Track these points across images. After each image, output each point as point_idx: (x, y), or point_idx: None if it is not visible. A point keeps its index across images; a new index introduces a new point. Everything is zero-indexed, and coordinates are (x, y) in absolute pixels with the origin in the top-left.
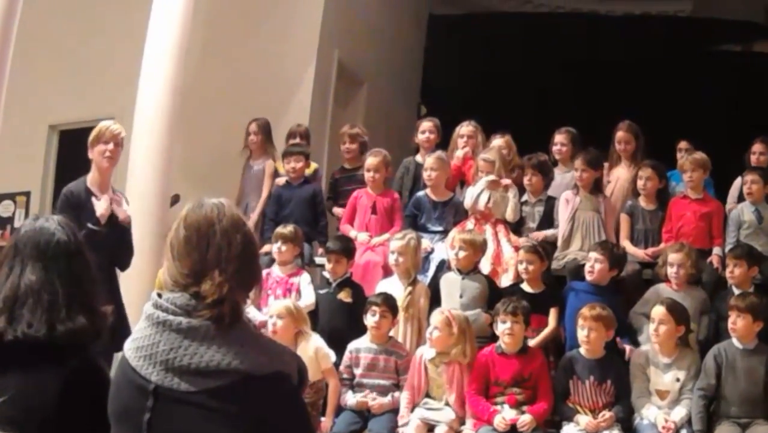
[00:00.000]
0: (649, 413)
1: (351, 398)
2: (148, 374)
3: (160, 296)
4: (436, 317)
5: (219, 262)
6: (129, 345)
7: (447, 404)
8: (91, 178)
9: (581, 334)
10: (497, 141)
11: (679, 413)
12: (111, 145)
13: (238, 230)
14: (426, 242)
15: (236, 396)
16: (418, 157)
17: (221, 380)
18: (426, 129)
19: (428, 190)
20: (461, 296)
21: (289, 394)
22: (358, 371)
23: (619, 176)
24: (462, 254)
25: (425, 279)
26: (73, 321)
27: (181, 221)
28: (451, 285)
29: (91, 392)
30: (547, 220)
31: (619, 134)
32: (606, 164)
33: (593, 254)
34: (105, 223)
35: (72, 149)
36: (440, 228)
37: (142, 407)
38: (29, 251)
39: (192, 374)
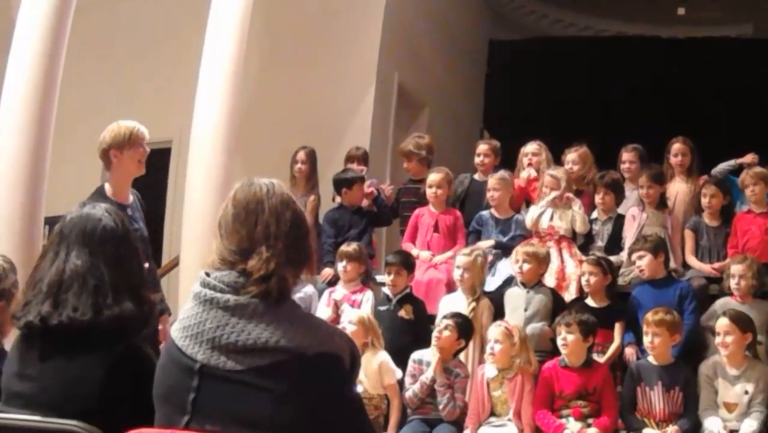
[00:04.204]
0: (713, 425)
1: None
2: (194, 353)
3: (208, 275)
4: (495, 330)
5: (267, 238)
6: (176, 326)
7: (510, 419)
8: (114, 189)
9: (646, 340)
10: (571, 155)
11: (750, 425)
12: (147, 148)
13: (287, 207)
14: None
15: (284, 375)
16: (476, 175)
17: (269, 359)
18: (481, 152)
19: (492, 209)
20: (526, 309)
21: (340, 376)
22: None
23: (677, 191)
24: (526, 267)
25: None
26: (120, 306)
27: (229, 200)
28: (516, 299)
29: (134, 379)
30: (616, 238)
31: (676, 147)
32: None
33: (634, 255)
34: None
35: None
36: (498, 245)
37: (187, 387)
38: (74, 236)
39: (239, 352)
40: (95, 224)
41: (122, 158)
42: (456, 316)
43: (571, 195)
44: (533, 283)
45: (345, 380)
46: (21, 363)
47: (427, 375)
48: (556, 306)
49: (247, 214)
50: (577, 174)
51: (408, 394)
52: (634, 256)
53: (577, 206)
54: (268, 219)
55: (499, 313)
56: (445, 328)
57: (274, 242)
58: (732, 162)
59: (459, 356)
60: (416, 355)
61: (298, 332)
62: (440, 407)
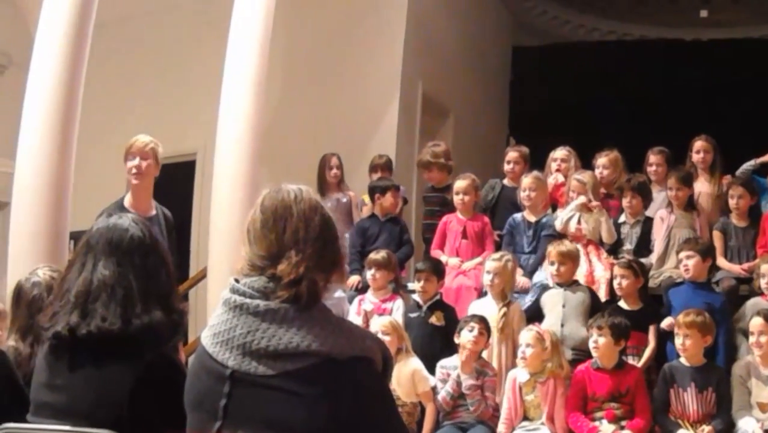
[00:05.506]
0: (748, 425)
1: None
2: (225, 359)
3: (237, 281)
4: (526, 334)
5: (296, 243)
6: (206, 333)
7: (544, 423)
8: (131, 201)
9: (678, 342)
10: (602, 159)
11: None
12: (136, 160)
13: (316, 212)
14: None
15: (316, 379)
16: (506, 181)
17: (300, 363)
18: (511, 159)
19: (525, 212)
20: (564, 306)
21: (373, 379)
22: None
23: (700, 191)
24: (562, 268)
25: (523, 302)
26: (150, 315)
27: (257, 206)
28: (553, 298)
29: (164, 388)
30: (645, 241)
31: (698, 144)
32: None
33: (682, 254)
34: None
35: None
36: (531, 250)
37: (218, 394)
38: (101, 246)
39: (270, 357)
40: (122, 234)
41: (126, 170)
42: (476, 318)
43: (598, 204)
44: (569, 282)
45: (377, 383)
46: (50, 374)
47: (457, 372)
48: (594, 304)
49: (275, 219)
50: (607, 179)
51: (441, 395)
52: (683, 254)
53: (604, 217)
54: (297, 224)
55: (530, 318)
56: (474, 331)
57: (303, 247)
58: (752, 162)
59: (491, 359)
60: (443, 362)
61: (329, 336)
62: (471, 408)
